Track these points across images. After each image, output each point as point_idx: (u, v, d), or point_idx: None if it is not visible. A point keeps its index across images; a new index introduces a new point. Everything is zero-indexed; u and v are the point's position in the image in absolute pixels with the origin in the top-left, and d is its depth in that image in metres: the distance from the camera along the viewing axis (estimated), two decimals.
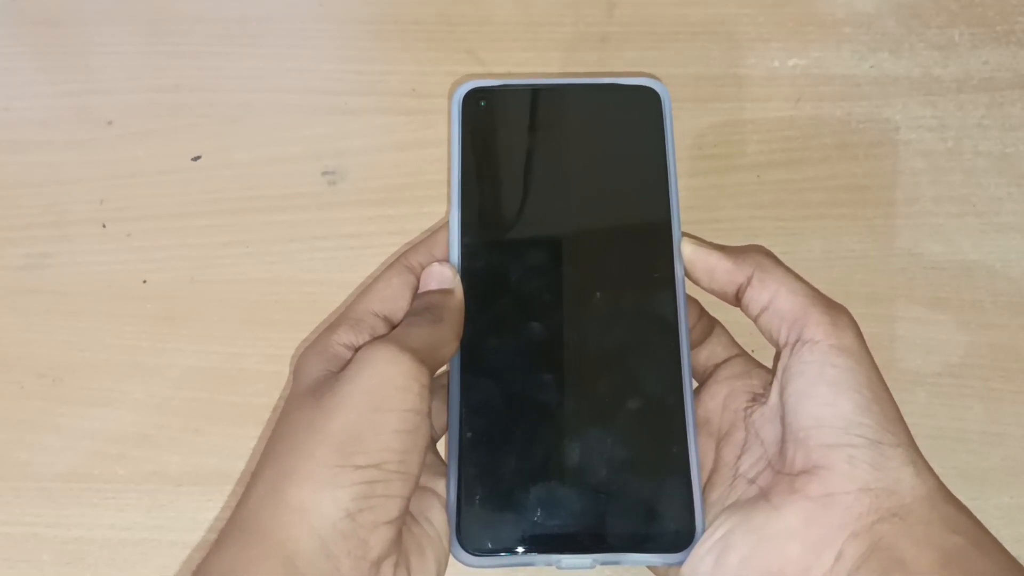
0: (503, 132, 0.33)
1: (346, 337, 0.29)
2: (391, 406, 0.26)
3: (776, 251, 0.41)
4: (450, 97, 0.34)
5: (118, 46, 0.46)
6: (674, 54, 0.46)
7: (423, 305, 0.30)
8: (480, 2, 0.47)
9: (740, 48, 0.46)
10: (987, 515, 0.36)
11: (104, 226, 0.42)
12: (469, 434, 0.29)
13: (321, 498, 0.25)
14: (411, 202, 0.43)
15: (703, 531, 0.28)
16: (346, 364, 0.28)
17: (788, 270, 0.30)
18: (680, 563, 0.28)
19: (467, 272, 0.31)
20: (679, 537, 0.28)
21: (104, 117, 0.45)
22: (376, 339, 0.29)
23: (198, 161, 0.44)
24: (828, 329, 0.28)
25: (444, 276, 0.31)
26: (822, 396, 0.27)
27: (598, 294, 0.31)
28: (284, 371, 0.40)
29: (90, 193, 0.43)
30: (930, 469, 0.27)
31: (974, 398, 0.39)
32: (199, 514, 0.37)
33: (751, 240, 0.42)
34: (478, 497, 0.29)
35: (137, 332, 0.40)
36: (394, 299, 0.31)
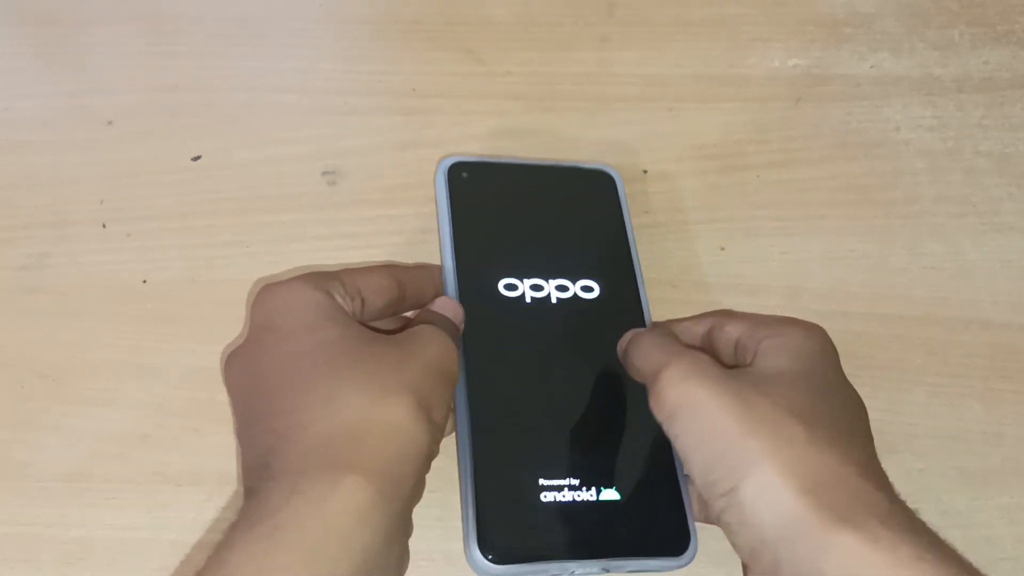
0: (482, 201, 0.38)
1: (343, 300, 0.32)
2: (450, 377, 0.31)
3: (776, 251, 0.42)
4: (436, 170, 0.39)
5: (118, 46, 0.46)
6: (674, 54, 0.46)
7: (443, 320, 0.33)
8: (480, 2, 0.47)
9: (740, 48, 0.46)
10: (987, 515, 0.37)
11: (104, 226, 0.42)
12: (480, 450, 0.32)
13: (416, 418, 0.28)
14: (411, 202, 0.42)
15: (696, 539, 0.32)
16: (357, 316, 0.32)
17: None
18: (679, 567, 0.31)
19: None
20: (677, 543, 0.32)
21: (104, 117, 0.44)
22: (427, 325, 0.32)
23: (198, 161, 0.44)
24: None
25: (458, 313, 0.34)
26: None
27: (583, 349, 0.35)
28: None
29: (90, 193, 0.43)
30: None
31: (974, 398, 0.39)
32: (199, 514, 0.37)
33: (751, 240, 0.42)
34: (492, 509, 0.31)
35: (137, 332, 0.40)
36: (379, 291, 0.33)
